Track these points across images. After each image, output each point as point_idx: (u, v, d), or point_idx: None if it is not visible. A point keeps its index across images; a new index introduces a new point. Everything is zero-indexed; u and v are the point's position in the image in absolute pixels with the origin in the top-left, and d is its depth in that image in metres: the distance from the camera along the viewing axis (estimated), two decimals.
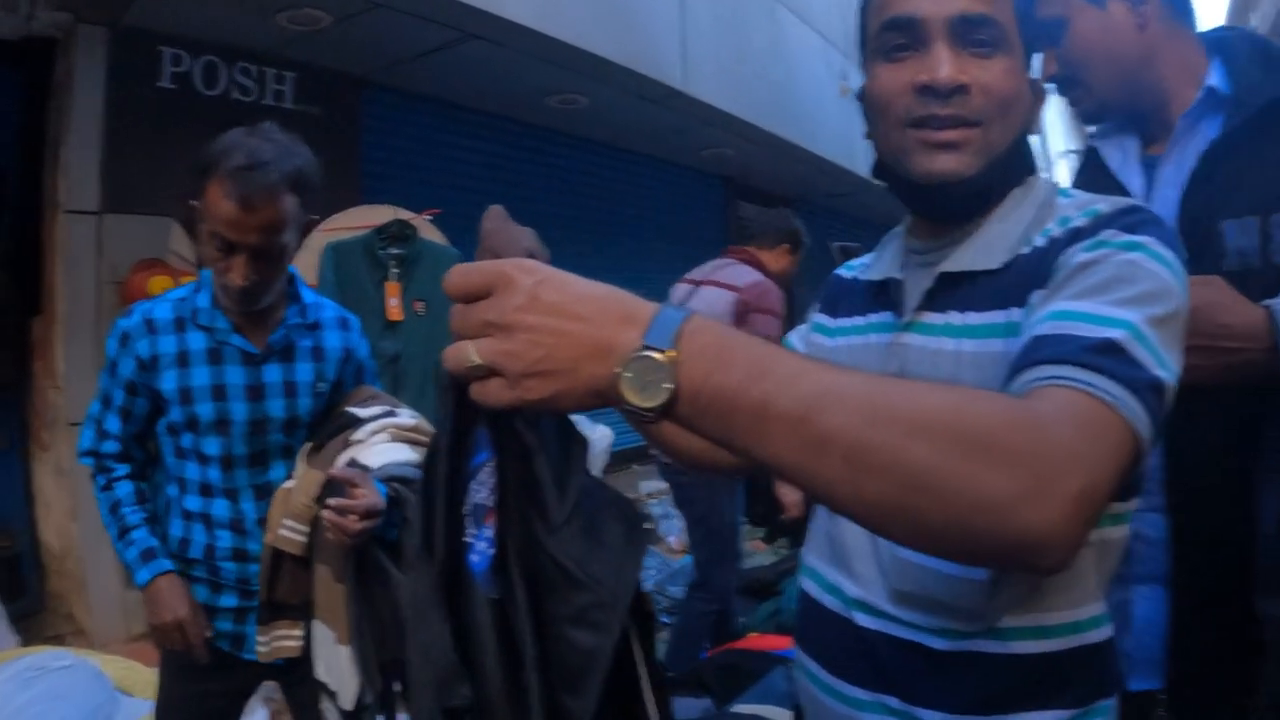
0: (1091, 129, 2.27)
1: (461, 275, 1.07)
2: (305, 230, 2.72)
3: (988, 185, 1.49)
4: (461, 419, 1.23)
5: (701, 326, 1.01)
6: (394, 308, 5.40)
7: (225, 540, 2.80)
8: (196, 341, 2.74)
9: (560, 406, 1.05)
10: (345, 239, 5.51)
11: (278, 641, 2.75)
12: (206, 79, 6.54)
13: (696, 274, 5.48)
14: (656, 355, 0.98)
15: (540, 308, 1.01)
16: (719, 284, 5.18)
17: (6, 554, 6.23)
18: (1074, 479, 0.96)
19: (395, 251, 5.51)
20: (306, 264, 5.39)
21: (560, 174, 9.72)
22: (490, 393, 1.04)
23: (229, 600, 2.84)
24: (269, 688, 3.31)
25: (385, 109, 7.84)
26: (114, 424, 2.81)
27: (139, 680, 4.50)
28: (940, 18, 1.44)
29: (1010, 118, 1.48)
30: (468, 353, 1.04)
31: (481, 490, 1.24)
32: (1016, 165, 1.52)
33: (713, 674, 4.64)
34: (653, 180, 11.20)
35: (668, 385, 0.98)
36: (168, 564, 2.77)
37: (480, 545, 1.24)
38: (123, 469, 2.84)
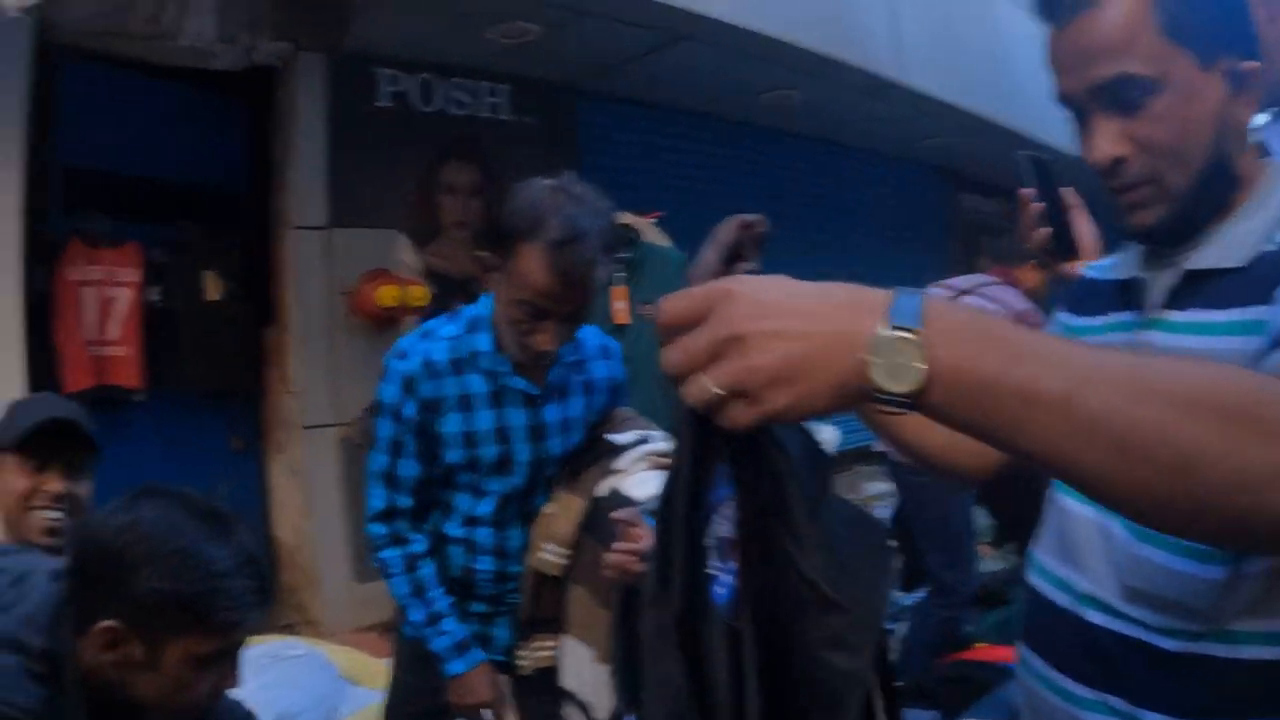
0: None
1: (676, 301, 1.00)
2: None
3: (1189, 215, 1.48)
4: (701, 452, 1.14)
5: (947, 305, 0.93)
6: (620, 311, 5.30)
7: (487, 564, 2.85)
8: (477, 385, 2.73)
9: (809, 411, 0.95)
10: None
11: (538, 654, 2.78)
12: (423, 96, 6.79)
13: (958, 283, 5.16)
14: (907, 335, 0.89)
15: (768, 311, 0.93)
16: (987, 300, 4.89)
17: None
18: None
19: (620, 255, 5.32)
20: None
21: (775, 170, 9.60)
22: (735, 417, 0.95)
23: (479, 607, 2.90)
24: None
25: (600, 114, 7.92)
26: (410, 469, 2.76)
27: (365, 669, 4.62)
28: (1081, 91, 1.44)
29: (1188, 150, 1.44)
30: (704, 385, 0.94)
31: (725, 524, 1.19)
32: (1220, 176, 1.47)
33: (941, 685, 4.56)
34: (870, 174, 10.94)
35: (920, 365, 0.89)
36: (480, 655, 2.79)
37: (725, 578, 1.20)
38: (418, 543, 2.80)
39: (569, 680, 2.71)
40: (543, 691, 2.81)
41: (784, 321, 0.92)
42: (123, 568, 1.80)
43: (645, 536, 2.39)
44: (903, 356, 0.89)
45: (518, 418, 2.75)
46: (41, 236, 5.63)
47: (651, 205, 7.44)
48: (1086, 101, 1.44)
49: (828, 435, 7.75)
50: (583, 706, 2.71)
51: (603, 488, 2.74)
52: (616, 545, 2.43)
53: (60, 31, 5.08)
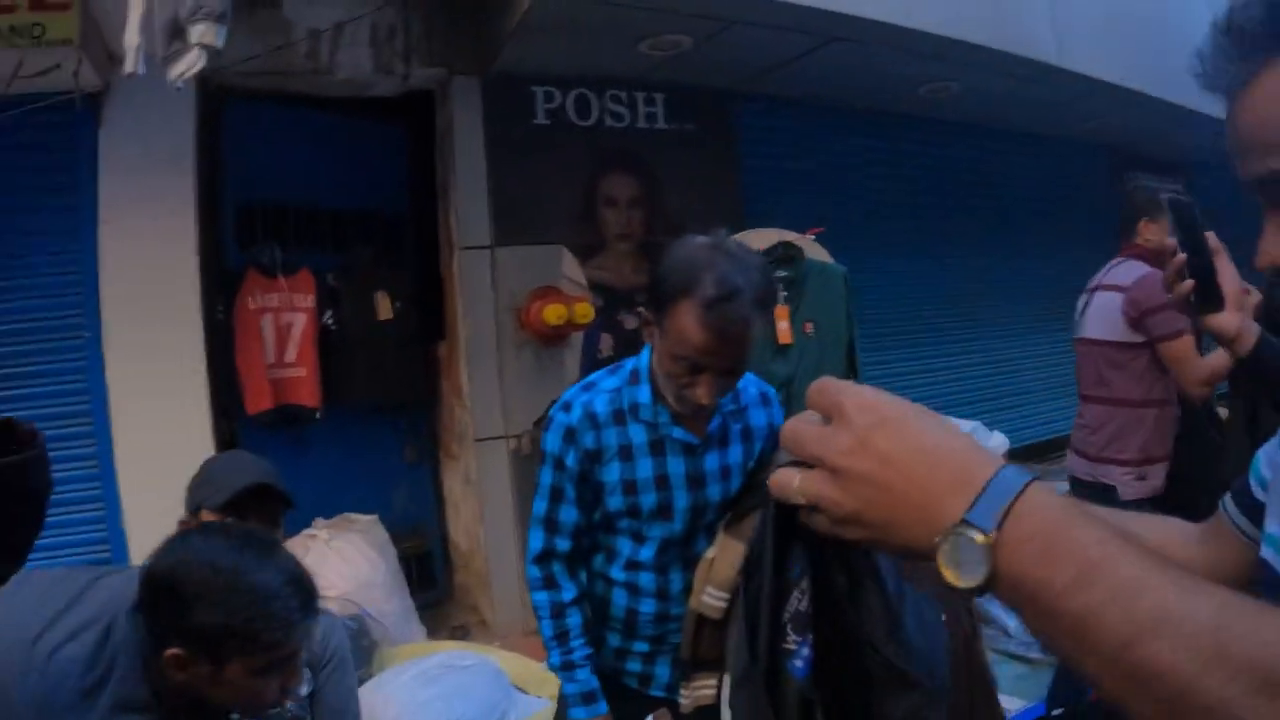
0: None
1: (823, 390, 0.99)
2: None
3: None
4: (782, 534, 1.23)
5: (1036, 505, 0.86)
6: (784, 331, 5.34)
7: (649, 607, 2.92)
8: (638, 435, 2.80)
9: (877, 549, 1.02)
10: None
11: (699, 693, 2.76)
12: (579, 111, 6.90)
13: (1094, 279, 4.96)
14: (976, 536, 0.86)
15: (869, 455, 0.92)
16: (1109, 287, 4.73)
17: (419, 552, 6.89)
18: None
19: (782, 274, 5.37)
20: None
21: (935, 161, 9.43)
22: (810, 521, 0.99)
23: (641, 646, 2.99)
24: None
25: (758, 116, 7.90)
26: (569, 515, 2.85)
27: (534, 677, 4.74)
28: (1253, 180, 1.14)
29: None
30: (791, 483, 0.97)
31: (802, 599, 1.25)
32: None
33: (1098, 716, 4.35)
34: (1032, 158, 10.60)
35: (984, 568, 0.85)
36: (603, 709, 2.86)
37: (803, 651, 1.26)
38: (568, 591, 2.88)
39: (726, 717, 2.67)
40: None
41: (880, 471, 0.91)
42: (179, 601, 2.05)
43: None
44: (970, 554, 0.86)
45: (677, 466, 2.82)
46: (219, 270, 6.00)
47: (813, 203, 7.47)
48: (1256, 192, 1.15)
49: (997, 442, 7.61)
50: None
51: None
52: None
53: (223, 74, 5.32)
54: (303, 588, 2.17)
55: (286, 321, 6.14)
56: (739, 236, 5.73)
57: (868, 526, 0.93)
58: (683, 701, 2.78)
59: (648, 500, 2.81)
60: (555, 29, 6.05)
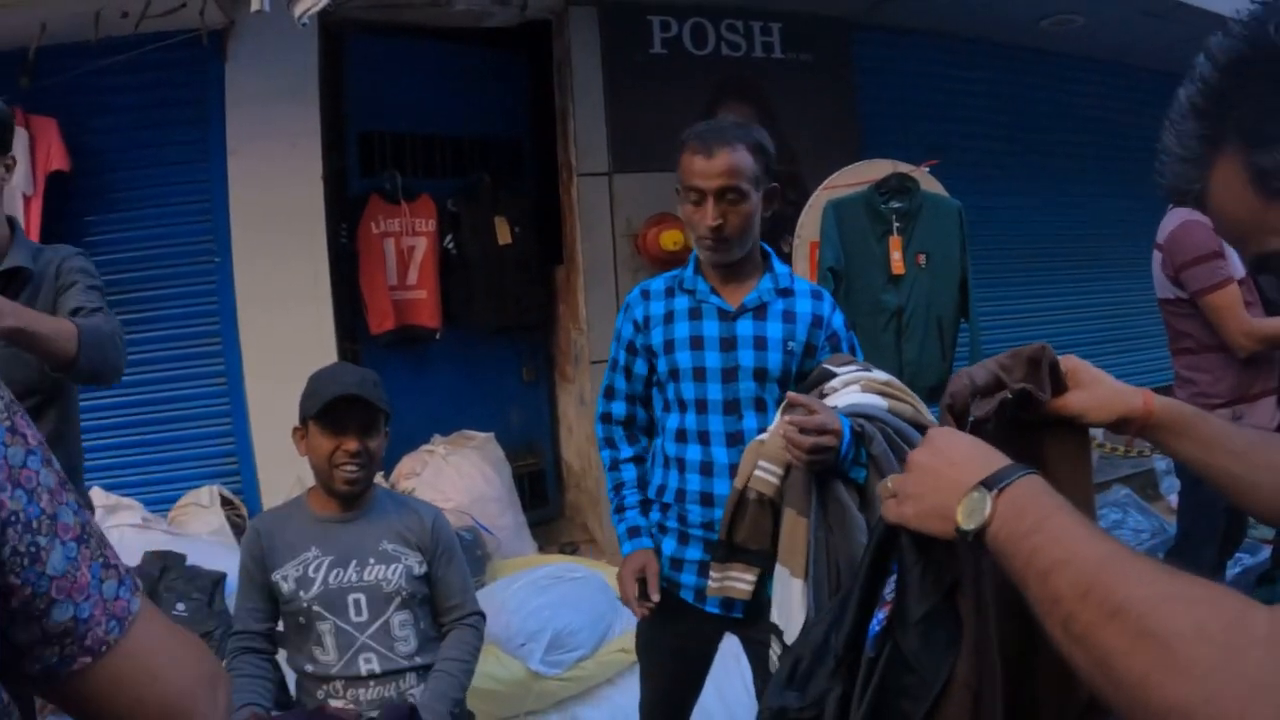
0: None
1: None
2: (769, 199, 2.99)
3: None
4: (889, 535, 1.54)
5: (1027, 485, 1.22)
6: (896, 261, 5.33)
7: (694, 484, 2.99)
8: (681, 303, 3.06)
9: (917, 525, 1.38)
10: (845, 195, 5.50)
11: (729, 581, 2.78)
12: (695, 40, 6.77)
13: None
14: (984, 493, 1.23)
15: (928, 452, 1.38)
16: (1157, 245, 4.44)
17: (533, 469, 7.01)
18: (1257, 713, 0.85)
19: (896, 205, 5.38)
20: (809, 223, 5.58)
21: (1056, 96, 8.97)
22: (887, 510, 1.45)
23: (694, 553, 3.01)
24: None
25: (876, 46, 7.66)
26: (620, 382, 3.21)
27: None
28: (1258, 259, 1.22)
29: None
30: (888, 484, 1.45)
31: (889, 587, 1.55)
32: None
33: None
34: (1157, 97, 9.70)
35: (985, 513, 1.21)
36: (647, 543, 3.09)
37: (876, 621, 1.55)
38: (625, 449, 3.22)
39: (774, 614, 2.68)
40: (759, 635, 2.84)
41: (933, 461, 1.36)
42: None
43: (820, 415, 2.53)
44: (978, 505, 1.23)
45: (711, 329, 3.01)
46: (343, 196, 6.14)
47: (932, 137, 7.30)
48: (1265, 269, 1.25)
49: None
50: (779, 635, 2.67)
51: None
52: (786, 416, 2.60)
53: (344, 8, 5.38)
54: None
55: (408, 245, 6.26)
56: (853, 167, 5.72)
57: (917, 500, 1.37)
58: (711, 585, 2.85)
59: (683, 358, 3.01)
60: None
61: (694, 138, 2.94)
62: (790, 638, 2.56)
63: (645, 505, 3.16)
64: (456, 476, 5.62)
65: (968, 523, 1.24)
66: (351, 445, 3.00)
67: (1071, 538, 1.10)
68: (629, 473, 3.20)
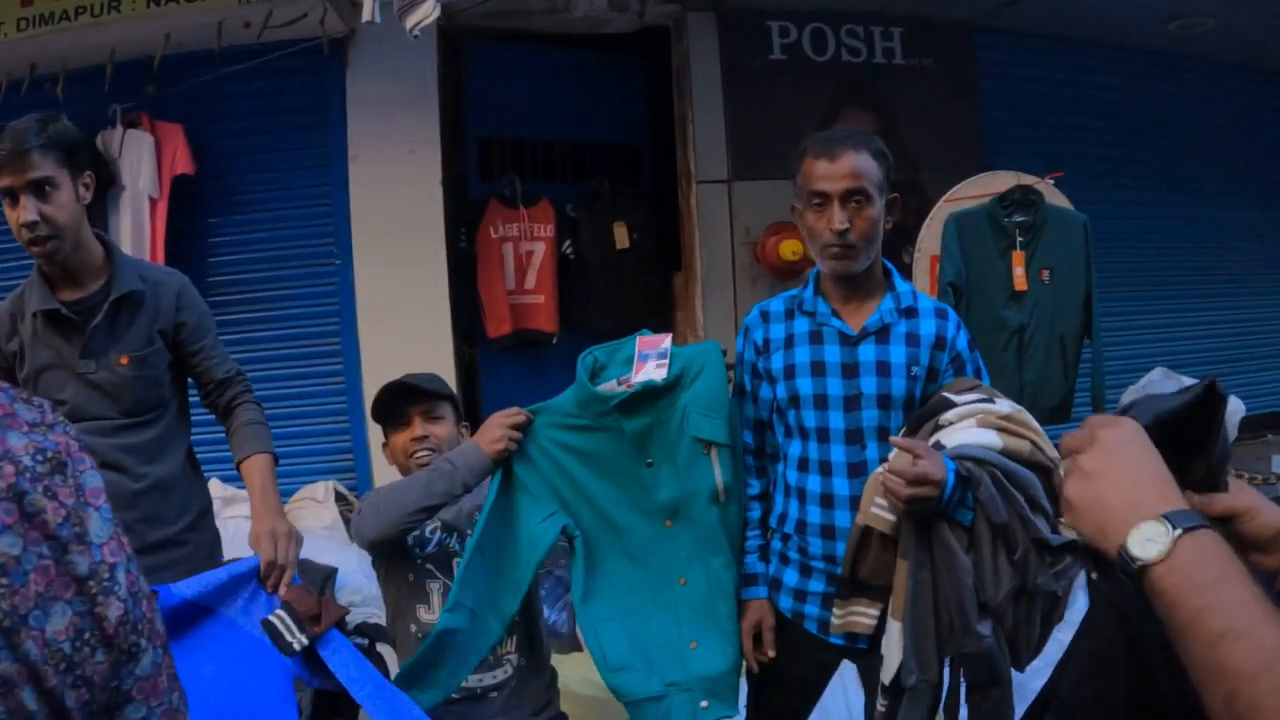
0: None
1: (1088, 427, 1.29)
2: (890, 209, 2.85)
3: None
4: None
5: (1212, 539, 1.09)
6: (1019, 277, 5.08)
7: (815, 516, 2.86)
8: (801, 326, 2.90)
9: (1079, 529, 1.25)
10: (968, 209, 5.25)
11: (852, 616, 2.71)
12: (815, 45, 6.56)
13: None
14: (1168, 528, 1.09)
15: (1100, 456, 1.22)
16: None
17: None
18: None
19: (1019, 219, 5.13)
20: (930, 235, 5.35)
21: (1183, 102, 8.37)
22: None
23: (817, 585, 2.89)
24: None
25: (998, 51, 7.34)
26: (748, 409, 3.02)
27: None
28: None
29: None
30: (1060, 476, 1.30)
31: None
32: None
33: None
34: None
35: (1162, 549, 1.07)
36: (762, 592, 2.96)
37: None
38: (755, 485, 3.03)
39: (882, 646, 2.65)
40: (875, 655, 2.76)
41: (1105, 466, 1.22)
42: None
43: (923, 463, 2.42)
44: (1156, 537, 1.09)
45: (833, 354, 2.84)
46: (462, 200, 6.12)
47: (1056, 143, 7.01)
48: None
49: (1233, 407, 7.02)
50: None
51: (930, 442, 2.62)
52: (884, 464, 2.52)
53: (463, 15, 5.37)
54: None
55: (526, 250, 6.18)
56: (976, 179, 5.43)
57: (1081, 511, 1.22)
58: (834, 622, 2.76)
59: (804, 385, 2.86)
60: None
61: (814, 144, 2.82)
62: (884, 674, 2.57)
63: (764, 550, 3.02)
64: None
65: (1140, 551, 1.10)
66: (416, 431, 3.00)
67: (1250, 610, 1.00)
68: (754, 511, 3.03)
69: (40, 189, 2.81)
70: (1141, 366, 7.29)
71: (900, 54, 6.86)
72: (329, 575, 4.44)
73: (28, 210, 2.79)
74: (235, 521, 4.64)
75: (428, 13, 4.18)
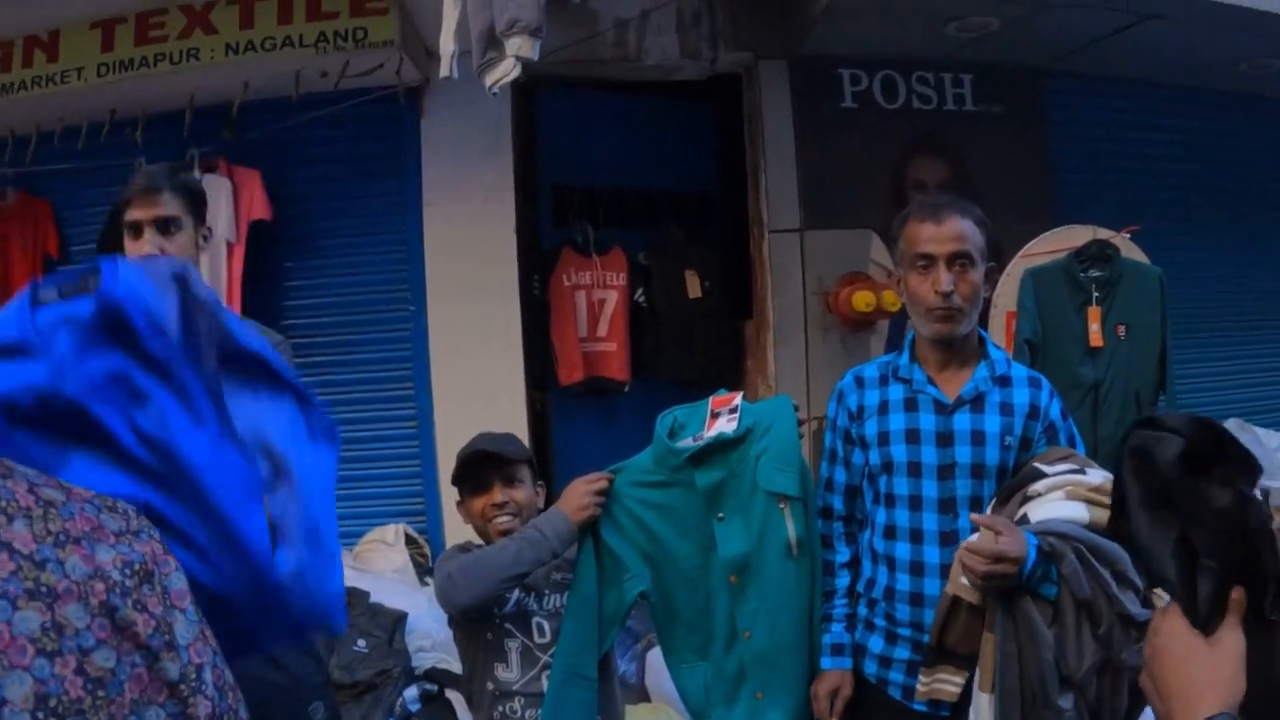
0: None
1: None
2: (990, 277, 2.89)
3: None
4: None
5: None
6: (1095, 333, 5.04)
7: (904, 583, 2.85)
8: (896, 392, 2.91)
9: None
10: (1044, 264, 5.22)
11: (938, 684, 2.72)
12: (886, 93, 6.50)
13: None
14: None
15: (1157, 658, 1.38)
16: None
17: None
18: None
19: (1095, 274, 5.09)
20: (1005, 291, 5.27)
21: (1256, 144, 8.10)
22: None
23: (902, 653, 2.88)
24: None
25: (1069, 96, 7.22)
26: (840, 474, 3.02)
27: None
28: None
29: None
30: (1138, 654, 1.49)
31: None
32: None
33: None
34: None
35: None
36: (847, 664, 2.95)
37: None
38: (844, 553, 3.04)
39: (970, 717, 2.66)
40: None
41: (1158, 664, 1.37)
42: None
43: (1004, 541, 2.45)
44: None
45: (928, 422, 2.85)
46: (536, 248, 6.11)
47: (1128, 187, 6.89)
48: None
49: None
50: None
51: (1018, 513, 2.65)
52: (965, 542, 2.54)
53: (535, 65, 5.40)
54: None
55: (599, 298, 6.16)
56: (1051, 233, 5.41)
57: (1152, 695, 1.38)
58: (920, 689, 2.76)
59: (898, 452, 2.85)
60: (861, 12, 5.75)
61: (919, 208, 2.88)
62: None
63: (852, 620, 3.01)
64: None
65: None
66: (496, 497, 3.01)
67: None
68: (843, 580, 3.03)
69: (165, 227, 2.93)
70: (1217, 416, 7.09)
71: (971, 100, 6.77)
72: (399, 619, 4.38)
73: (150, 245, 2.89)
74: None
75: (507, 71, 4.20)
